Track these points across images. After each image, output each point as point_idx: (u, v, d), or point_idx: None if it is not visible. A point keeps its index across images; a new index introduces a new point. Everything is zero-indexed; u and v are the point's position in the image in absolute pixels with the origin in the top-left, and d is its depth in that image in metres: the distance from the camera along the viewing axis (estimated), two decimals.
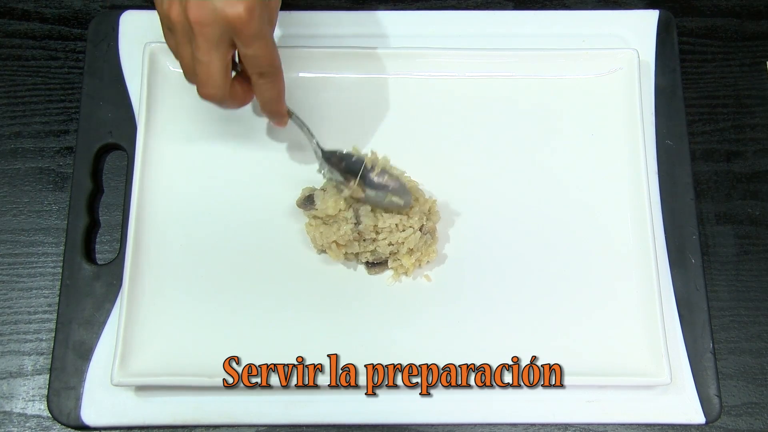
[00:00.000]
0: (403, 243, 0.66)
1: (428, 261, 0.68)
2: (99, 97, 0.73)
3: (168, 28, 0.59)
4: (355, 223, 0.66)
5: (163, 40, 0.71)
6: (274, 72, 0.61)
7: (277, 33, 0.75)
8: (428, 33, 0.75)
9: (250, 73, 0.61)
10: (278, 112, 0.66)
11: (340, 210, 0.66)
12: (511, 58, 0.73)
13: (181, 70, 0.61)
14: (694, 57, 0.78)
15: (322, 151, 0.68)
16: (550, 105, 0.73)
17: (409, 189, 0.67)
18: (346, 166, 0.67)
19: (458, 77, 0.74)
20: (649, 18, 0.76)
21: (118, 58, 0.74)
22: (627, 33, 0.76)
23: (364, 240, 0.66)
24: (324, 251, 0.68)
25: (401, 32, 0.75)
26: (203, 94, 0.60)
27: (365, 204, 0.66)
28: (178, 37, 0.59)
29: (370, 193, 0.66)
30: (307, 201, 0.68)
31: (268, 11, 0.58)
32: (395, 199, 0.66)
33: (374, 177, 0.66)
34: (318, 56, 0.73)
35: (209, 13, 0.56)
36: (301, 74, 0.73)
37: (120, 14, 0.75)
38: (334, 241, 0.66)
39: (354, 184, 0.66)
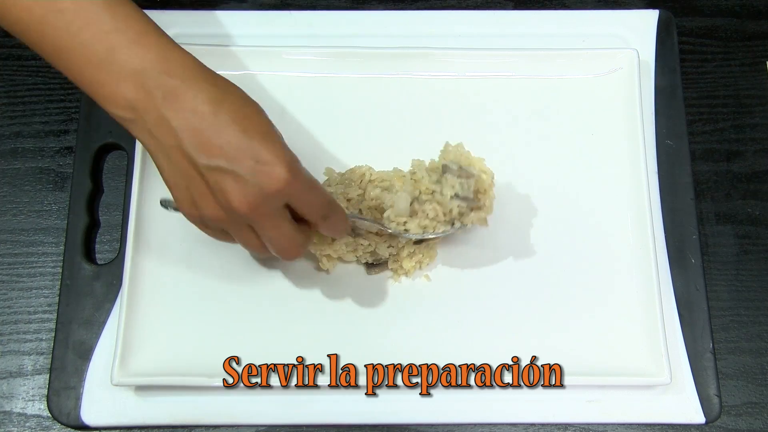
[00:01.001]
0: (403, 246, 0.66)
1: (428, 263, 0.68)
2: None
3: (209, 226, 0.56)
4: (352, 234, 0.66)
5: None
6: (333, 209, 0.57)
7: (278, 33, 0.75)
8: (428, 33, 0.75)
9: (314, 221, 0.57)
10: (347, 231, 0.62)
11: None
12: (511, 58, 0.73)
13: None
14: (694, 57, 0.78)
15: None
16: (550, 105, 0.73)
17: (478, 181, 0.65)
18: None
19: (458, 77, 0.74)
20: (649, 18, 0.76)
21: None
22: (627, 33, 0.76)
23: (361, 243, 0.66)
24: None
25: (401, 32, 0.75)
26: (286, 258, 0.57)
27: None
28: (231, 228, 0.55)
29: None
30: None
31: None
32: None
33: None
34: (318, 56, 0.73)
35: (257, 192, 0.51)
36: (301, 74, 0.73)
37: None
38: (327, 254, 0.66)
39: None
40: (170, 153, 0.52)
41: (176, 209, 0.57)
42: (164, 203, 0.60)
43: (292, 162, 0.52)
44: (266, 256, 0.59)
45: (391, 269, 0.68)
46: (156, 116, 0.51)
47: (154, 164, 0.68)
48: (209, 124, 0.50)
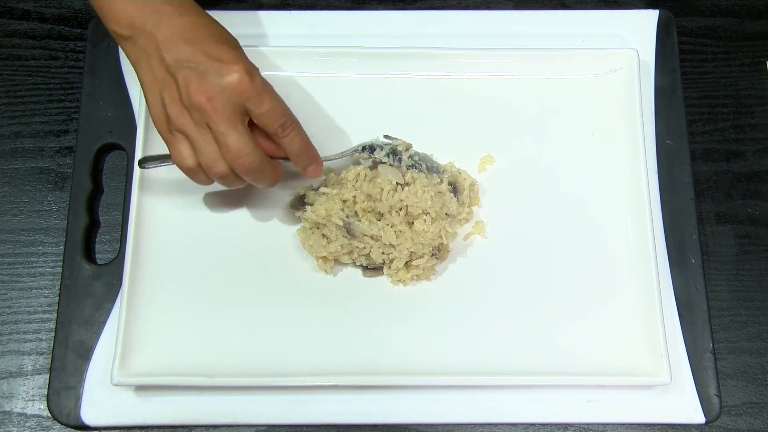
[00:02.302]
0: (398, 255, 0.66)
1: (427, 275, 0.68)
2: (99, 97, 0.73)
3: (172, 130, 0.60)
4: (347, 236, 0.66)
5: None
6: (291, 119, 0.62)
7: (278, 33, 0.75)
8: (428, 33, 0.75)
9: (272, 132, 0.61)
10: (312, 158, 0.65)
11: (330, 218, 0.66)
12: (511, 58, 0.73)
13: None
14: (694, 57, 0.78)
15: (358, 149, 0.68)
16: (550, 105, 0.73)
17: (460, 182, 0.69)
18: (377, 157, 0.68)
19: (458, 77, 0.74)
20: (649, 18, 0.76)
21: (118, 58, 0.74)
22: (627, 33, 0.76)
23: (356, 246, 0.66)
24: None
25: (401, 32, 0.75)
26: (242, 168, 0.60)
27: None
28: (191, 131, 0.59)
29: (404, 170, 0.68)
30: (299, 202, 0.68)
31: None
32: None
33: (407, 158, 0.68)
34: (318, 56, 0.73)
35: (212, 88, 0.58)
36: (301, 74, 0.73)
37: None
38: (323, 256, 0.66)
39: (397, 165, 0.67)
40: (152, 62, 0.59)
41: (152, 167, 0.66)
42: (141, 162, 0.67)
43: (251, 68, 0.59)
44: (221, 174, 0.60)
45: (387, 275, 0.68)
46: (147, 32, 0.59)
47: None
48: (189, 35, 0.59)
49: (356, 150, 0.68)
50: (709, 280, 0.70)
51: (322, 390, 0.65)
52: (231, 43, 0.61)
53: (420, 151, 0.70)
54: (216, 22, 0.62)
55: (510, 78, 0.74)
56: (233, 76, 0.58)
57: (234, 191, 0.70)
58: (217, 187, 0.70)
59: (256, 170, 0.60)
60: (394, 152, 0.68)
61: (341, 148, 0.69)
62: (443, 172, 0.69)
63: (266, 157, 0.61)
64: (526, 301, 0.67)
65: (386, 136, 0.69)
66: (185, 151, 0.60)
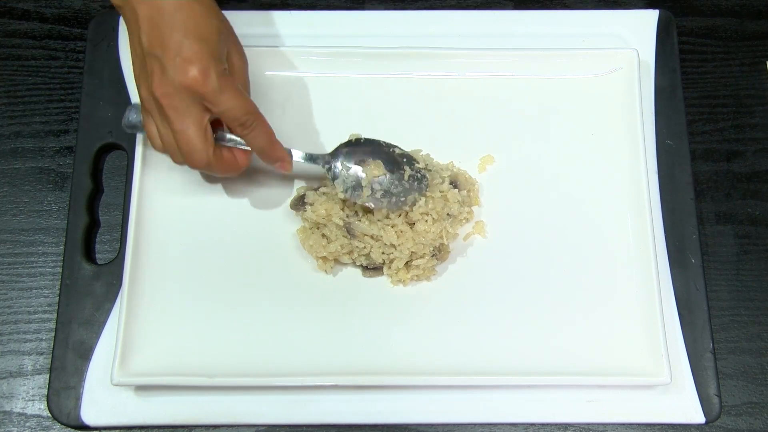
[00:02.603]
0: (398, 255, 0.66)
1: (427, 276, 0.68)
2: (99, 97, 0.73)
3: (145, 112, 0.62)
4: (347, 236, 0.66)
5: None
6: (252, 119, 0.62)
7: (278, 33, 0.75)
8: (428, 33, 0.75)
9: (233, 128, 0.63)
10: (277, 157, 0.65)
11: (330, 218, 0.66)
12: (511, 58, 0.73)
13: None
14: (694, 57, 0.78)
15: (345, 143, 0.67)
16: (550, 105, 0.73)
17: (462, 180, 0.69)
18: (360, 153, 0.67)
19: (458, 77, 0.74)
20: (649, 18, 0.76)
21: (118, 58, 0.74)
22: (627, 33, 0.76)
23: (356, 246, 0.66)
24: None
25: (401, 32, 0.75)
26: (190, 162, 0.62)
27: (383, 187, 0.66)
28: (155, 118, 0.61)
29: (389, 170, 0.66)
30: (300, 202, 0.68)
31: (225, 66, 0.61)
32: (414, 172, 0.66)
33: (393, 152, 0.67)
34: (318, 56, 0.73)
35: (169, 86, 0.59)
36: (301, 74, 0.73)
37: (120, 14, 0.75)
38: (323, 256, 0.66)
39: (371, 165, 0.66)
40: (133, 38, 0.61)
41: (132, 131, 0.67)
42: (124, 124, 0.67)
43: (208, 67, 0.59)
44: (177, 161, 0.63)
45: (387, 275, 0.68)
46: (131, 6, 0.60)
47: (154, 164, 0.69)
48: (163, 21, 0.59)
49: (323, 162, 0.67)
50: (709, 280, 0.70)
51: (322, 390, 0.65)
52: (201, 35, 0.59)
53: (423, 152, 0.70)
54: (202, 6, 0.60)
55: (510, 78, 0.74)
56: (188, 75, 0.58)
57: (235, 194, 0.70)
58: (216, 186, 0.70)
59: (206, 167, 0.62)
60: (354, 187, 0.66)
61: (334, 168, 0.69)
62: (443, 170, 0.69)
63: (221, 151, 0.63)
64: (526, 301, 0.67)
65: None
66: (153, 132, 0.62)
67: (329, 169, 0.66)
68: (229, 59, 0.63)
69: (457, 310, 0.67)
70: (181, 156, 0.62)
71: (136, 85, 0.62)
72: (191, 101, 0.59)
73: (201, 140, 0.61)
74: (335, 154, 0.67)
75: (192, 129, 0.60)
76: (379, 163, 0.66)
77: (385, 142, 0.68)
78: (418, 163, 0.67)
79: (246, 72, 0.66)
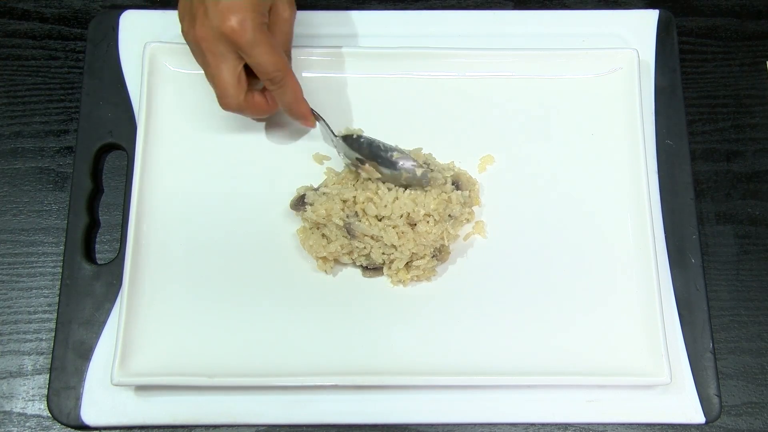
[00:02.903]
0: (399, 256, 0.66)
1: (427, 276, 0.68)
2: (99, 97, 0.73)
3: (191, 50, 0.65)
4: (347, 236, 0.66)
5: (162, 40, 0.73)
6: (281, 76, 0.64)
7: None
8: (428, 33, 0.75)
9: (263, 81, 0.65)
10: (301, 114, 0.68)
11: (330, 218, 0.66)
12: (511, 58, 0.73)
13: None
14: (694, 57, 0.78)
15: (343, 137, 0.68)
16: (550, 105, 0.73)
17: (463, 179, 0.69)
18: (362, 148, 0.67)
19: (458, 77, 0.74)
20: (649, 18, 0.76)
21: (118, 58, 0.74)
22: (627, 33, 0.76)
23: (356, 246, 0.66)
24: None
25: (401, 32, 0.75)
26: (222, 105, 0.65)
27: (382, 183, 0.67)
28: (197, 57, 0.64)
29: (386, 171, 0.66)
30: (300, 202, 0.68)
31: (265, 19, 0.63)
32: (411, 175, 0.66)
33: (391, 156, 0.67)
34: (318, 56, 0.73)
35: (209, 30, 0.61)
36: (301, 74, 0.73)
37: (120, 14, 0.75)
38: (323, 257, 0.66)
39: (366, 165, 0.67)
40: None
41: None
42: None
43: (245, 19, 0.61)
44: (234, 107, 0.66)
45: (387, 275, 0.68)
46: None
47: (154, 164, 0.69)
48: None
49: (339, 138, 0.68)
50: (709, 280, 0.70)
51: (322, 390, 0.65)
52: None
53: (425, 152, 0.70)
54: None
55: (510, 78, 0.74)
56: (227, 24, 0.60)
57: (235, 193, 0.70)
58: (217, 186, 0.70)
59: (237, 110, 0.66)
60: (371, 145, 0.67)
61: (341, 148, 0.69)
62: (446, 170, 0.69)
63: (252, 96, 0.65)
64: (526, 301, 0.67)
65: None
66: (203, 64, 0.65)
67: (338, 151, 0.68)
68: (275, 9, 0.65)
69: (457, 310, 0.67)
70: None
71: (180, 22, 0.64)
72: (227, 48, 0.62)
73: (233, 86, 0.63)
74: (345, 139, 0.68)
75: (226, 74, 0.63)
76: (375, 165, 0.67)
77: (383, 144, 0.67)
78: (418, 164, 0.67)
79: (291, 23, 0.67)
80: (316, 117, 0.69)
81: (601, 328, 0.66)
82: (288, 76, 0.65)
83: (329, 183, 0.68)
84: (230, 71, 0.63)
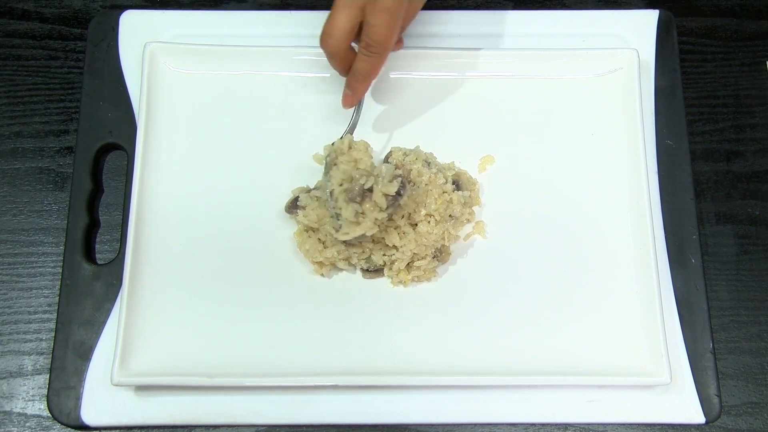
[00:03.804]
0: (400, 257, 0.66)
1: (428, 277, 0.68)
2: (99, 97, 0.73)
3: None
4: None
5: (162, 40, 0.73)
6: (379, 50, 0.64)
7: (277, 32, 0.75)
8: (428, 33, 0.75)
9: (361, 40, 0.64)
10: (358, 89, 0.68)
11: (323, 222, 0.66)
12: (511, 58, 0.73)
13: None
14: (694, 57, 0.78)
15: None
16: (550, 105, 0.73)
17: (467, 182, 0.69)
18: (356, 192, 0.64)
19: (458, 77, 0.74)
20: (649, 18, 0.76)
21: (118, 58, 0.74)
22: (627, 33, 0.76)
23: (354, 252, 0.66)
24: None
25: None
26: (321, 43, 0.65)
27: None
28: None
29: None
30: (293, 205, 0.67)
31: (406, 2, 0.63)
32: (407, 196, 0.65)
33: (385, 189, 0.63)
34: (318, 56, 0.73)
35: None
36: (301, 74, 0.73)
37: (120, 14, 0.75)
38: (319, 261, 0.66)
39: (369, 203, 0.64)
40: None
41: None
42: None
43: None
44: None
45: (387, 276, 0.68)
46: None
47: (154, 164, 0.69)
48: None
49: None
50: (709, 280, 0.70)
51: (322, 390, 0.65)
52: None
53: (425, 151, 0.70)
54: None
55: (510, 78, 0.74)
56: None
57: (235, 194, 0.70)
58: (217, 186, 0.70)
59: (330, 56, 0.66)
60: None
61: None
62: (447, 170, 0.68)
63: (352, 53, 0.66)
64: (526, 301, 0.67)
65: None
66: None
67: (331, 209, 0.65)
68: None
69: (457, 310, 0.67)
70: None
71: None
72: (360, 1, 0.62)
73: (341, 32, 0.64)
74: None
75: (342, 18, 0.63)
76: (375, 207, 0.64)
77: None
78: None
79: (417, 11, 0.68)
80: (358, 105, 0.69)
81: (601, 328, 0.66)
82: (384, 55, 0.65)
83: (320, 185, 0.68)
84: (346, 17, 0.63)
